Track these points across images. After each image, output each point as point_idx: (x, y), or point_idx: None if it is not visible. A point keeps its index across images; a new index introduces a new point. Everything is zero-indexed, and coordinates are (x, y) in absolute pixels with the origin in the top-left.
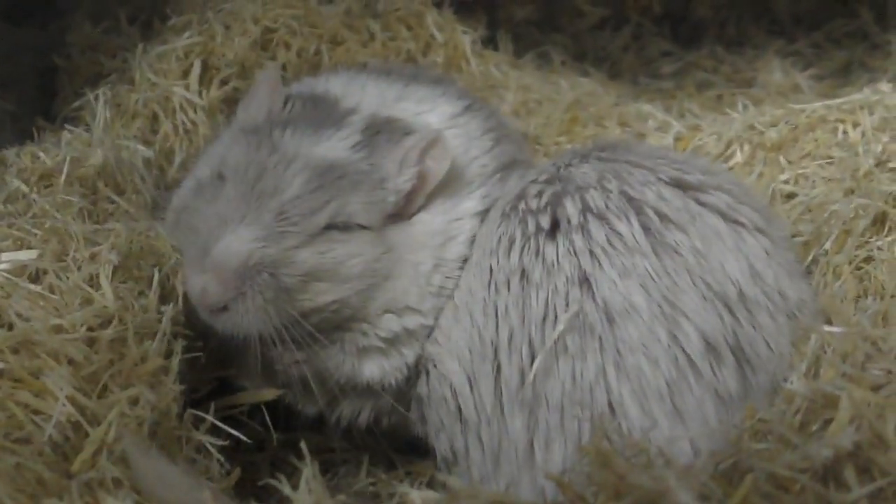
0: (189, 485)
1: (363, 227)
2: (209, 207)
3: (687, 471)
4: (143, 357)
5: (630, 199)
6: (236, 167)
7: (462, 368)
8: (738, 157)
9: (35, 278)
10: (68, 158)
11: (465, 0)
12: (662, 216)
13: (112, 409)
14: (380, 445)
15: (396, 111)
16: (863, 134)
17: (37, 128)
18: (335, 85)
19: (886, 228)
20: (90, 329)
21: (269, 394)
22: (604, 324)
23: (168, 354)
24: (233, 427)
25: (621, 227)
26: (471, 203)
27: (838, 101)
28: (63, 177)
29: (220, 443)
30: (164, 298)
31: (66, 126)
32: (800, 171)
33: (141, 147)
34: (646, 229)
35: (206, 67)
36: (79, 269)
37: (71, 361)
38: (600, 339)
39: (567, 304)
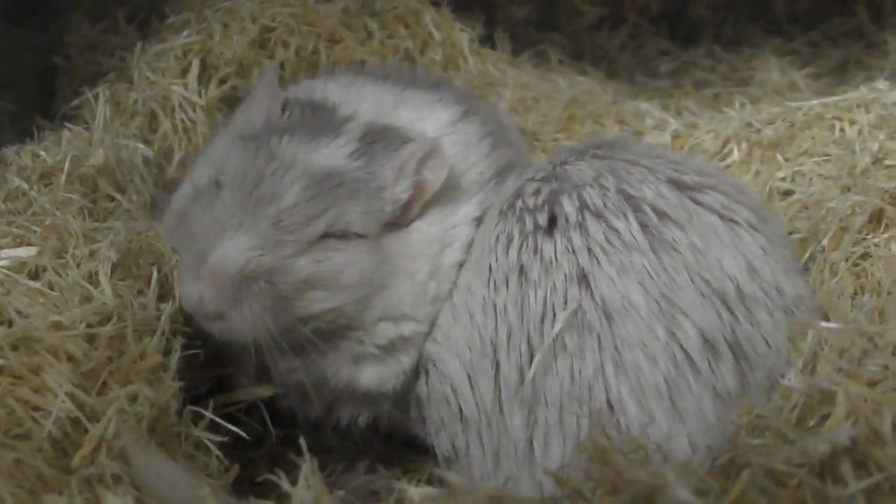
0: (188, 481)
1: (360, 236)
2: (206, 214)
3: (684, 466)
4: (142, 354)
5: (628, 197)
6: (234, 174)
7: (462, 367)
8: (736, 155)
9: (35, 275)
10: (68, 157)
11: None
12: (660, 213)
13: (111, 405)
14: (378, 443)
15: (394, 118)
16: (859, 131)
17: (36, 127)
18: (333, 91)
19: (883, 225)
20: (89, 326)
21: (267, 390)
22: (602, 321)
23: (167, 352)
24: (231, 423)
25: (619, 224)
26: (467, 210)
27: (835, 98)
28: (63, 175)
29: (219, 439)
30: (163, 296)
31: (66, 125)
32: (797, 169)
33: (140, 146)
34: (643, 227)
35: (204, 66)
36: (78, 266)
37: (70, 358)
38: (599, 336)
39: (565, 302)
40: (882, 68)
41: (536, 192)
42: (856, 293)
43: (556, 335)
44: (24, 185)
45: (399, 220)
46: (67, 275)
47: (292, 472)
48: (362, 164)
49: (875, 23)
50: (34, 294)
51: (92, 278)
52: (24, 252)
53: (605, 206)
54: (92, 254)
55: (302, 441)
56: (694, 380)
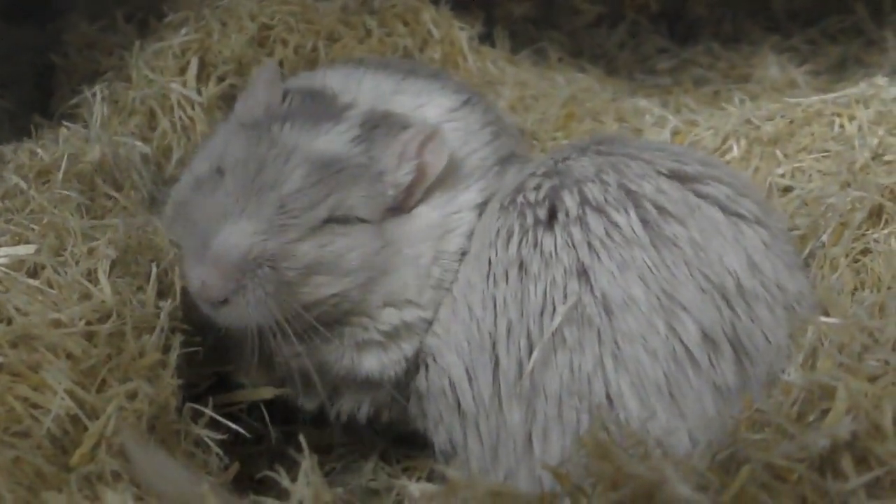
0: (187, 478)
1: (363, 221)
2: (208, 201)
3: (684, 461)
4: (142, 351)
5: (628, 192)
6: (235, 161)
7: (461, 361)
8: (735, 152)
9: (33, 273)
10: (66, 155)
11: None
12: (661, 209)
13: (111, 402)
14: (378, 440)
15: (394, 105)
16: (859, 127)
17: (34, 125)
18: (333, 79)
19: (882, 221)
20: (88, 323)
21: (267, 392)
22: (602, 316)
23: (166, 349)
24: (231, 421)
25: (619, 219)
26: (469, 196)
27: (834, 95)
28: (61, 173)
29: (219, 436)
30: (162, 293)
31: (64, 123)
32: (796, 165)
33: (138, 143)
34: (644, 222)
35: (203, 64)
36: (77, 264)
37: (69, 355)
38: (598, 331)
39: (565, 297)
40: (881, 65)
41: (537, 187)
42: (856, 289)
43: (556, 329)
44: (22, 184)
45: (401, 205)
46: (66, 272)
47: (292, 469)
48: (363, 149)
49: (874, 19)
50: (33, 292)
51: (91, 276)
52: (23, 250)
53: (605, 200)
54: (90, 251)
55: (302, 438)
56: (694, 375)
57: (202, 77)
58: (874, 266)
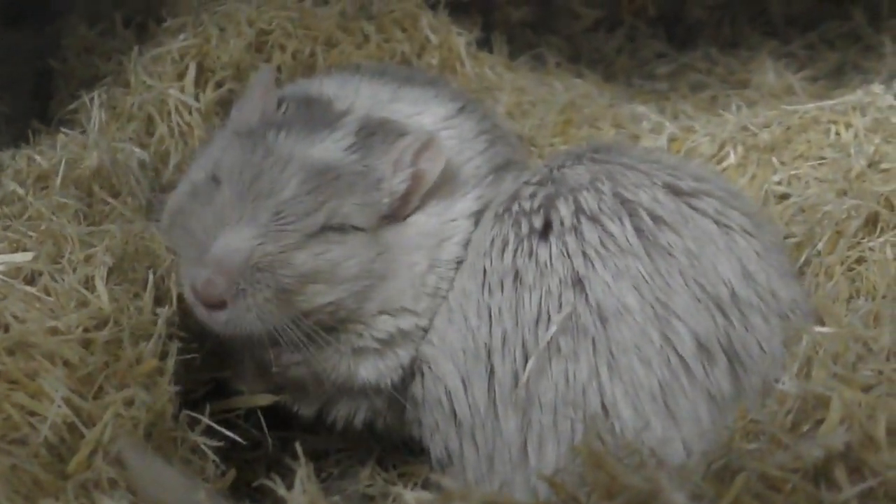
0: (184, 485)
1: (358, 229)
2: (205, 209)
3: (679, 471)
4: (139, 358)
5: (623, 201)
6: (231, 169)
7: (456, 370)
8: (732, 159)
9: (30, 280)
10: (64, 161)
11: (460, 2)
12: (655, 218)
13: (107, 410)
14: (374, 447)
15: (390, 113)
16: (855, 135)
17: (32, 130)
18: (329, 87)
19: (878, 229)
20: (85, 330)
21: (264, 399)
22: (597, 325)
23: (163, 356)
24: (228, 428)
25: (614, 228)
26: (465, 204)
27: (831, 102)
28: (58, 179)
29: (216, 444)
30: (159, 300)
31: (62, 129)
32: (793, 172)
33: (136, 149)
34: (638, 231)
35: (201, 70)
36: (74, 271)
37: (66, 363)
38: (593, 340)
39: (560, 306)
40: (878, 71)
41: (532, 196)
42: (851, 297)
43: (551, 339)
44: (20, 190)
45: (397, 213)
46: (63, 279)
47: (288, 476)
48: (359, 157)
49: (871, 26)
50: (30, 299)
51: (88, 283)
52: (20, 257)
53: (600, 209)
54: (88, 258)
55: (298, 446)
56: (689, 384)
57: (200, 82)
58: (869, 274)
